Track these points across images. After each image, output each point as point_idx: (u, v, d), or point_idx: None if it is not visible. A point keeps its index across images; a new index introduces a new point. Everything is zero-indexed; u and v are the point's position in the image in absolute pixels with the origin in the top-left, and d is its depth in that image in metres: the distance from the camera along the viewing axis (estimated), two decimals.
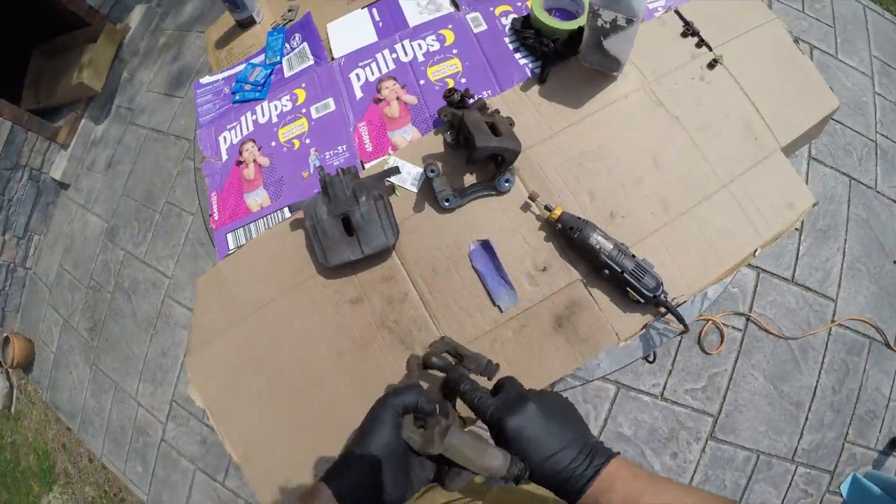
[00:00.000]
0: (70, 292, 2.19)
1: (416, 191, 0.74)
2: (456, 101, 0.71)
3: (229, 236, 0.83)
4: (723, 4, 0.84)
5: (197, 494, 1.78)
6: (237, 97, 0.95)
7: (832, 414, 1.54)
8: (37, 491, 2.13)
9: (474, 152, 0.64)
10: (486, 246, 0.71)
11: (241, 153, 0.89)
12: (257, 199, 0.84)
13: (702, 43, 0.81)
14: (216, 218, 0.86)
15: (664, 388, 1.56)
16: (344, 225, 0.71)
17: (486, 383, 0.53)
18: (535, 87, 0.78)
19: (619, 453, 0.43)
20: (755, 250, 0.72)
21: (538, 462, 0.42)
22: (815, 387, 1.55)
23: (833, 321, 1.59)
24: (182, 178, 2.11)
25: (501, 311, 0.69)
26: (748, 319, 1.58)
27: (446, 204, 0.70)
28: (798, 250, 1.64)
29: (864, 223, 1.69)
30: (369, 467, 0.41)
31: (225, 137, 0.92)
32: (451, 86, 0.79)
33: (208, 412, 0.76)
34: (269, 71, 0.95)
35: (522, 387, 0.48)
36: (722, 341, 1.56)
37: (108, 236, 2.17)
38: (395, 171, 0.73)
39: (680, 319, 0.67)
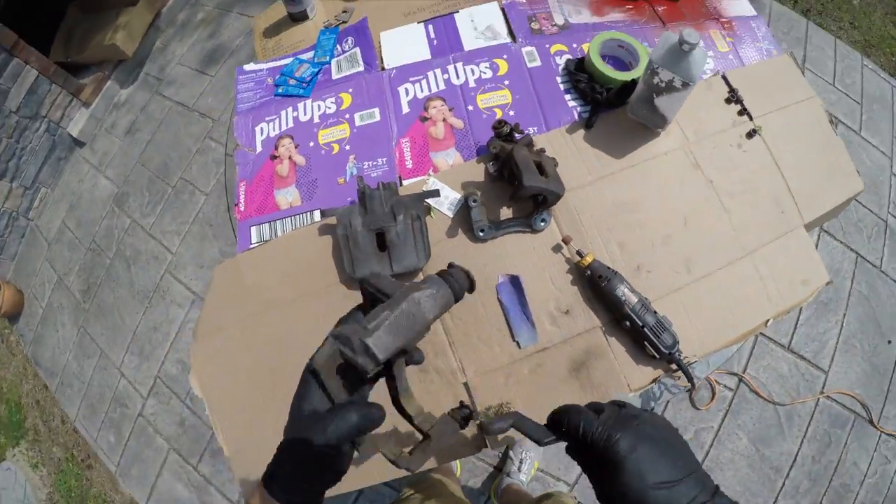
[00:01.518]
0: (69, 251, 2.17)
1: (451, 216, 0.75)
2: (505, 133, 0.72)
3: (253, 229, 0.83)
4: (768, 76, 0.86)
5: (167, 474, 1.75)
6: (280, 90, 0.95)
7: (808, 483, 1.55)
8: (2, 442, 2.09)
9: (520, 190, 0.64)
10: (514, 281, 0.71)
11: (276, 147, 0.89)
12: (288, 196, 0.84)
13: (744, 111, 0.83)
14: (242, 209, 0.86)
15: None
16: (377, 239, 0.71)
17: None
18: (581, 132, 0.79)
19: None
20: (767, 321, 0.74)
21: (652, 486, 0.36)
22: (796, 454, 1.57)
23: (822, 392, 1.61)
24: (200, 157, 2.11)
25: (520, 346, 0.69)
26: (741, 380, 1.60)
27: (481, 234, 0.71)
28: (798, 319, 1.67)
29: (864, 300, 1.72)
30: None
31: (262, 129, 0.92)
32: (499, 116, 0.80)
33: (205, 402, 0.75)
34: (317, 70, 0.95)
35: (633, 406, 0.43)
36: (713, 398, 1.57)
37: (116, 202, 2.15)
38: (436, 193, 0.73)
39: (689, 379, 0.68)
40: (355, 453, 0.41)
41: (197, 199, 2.04)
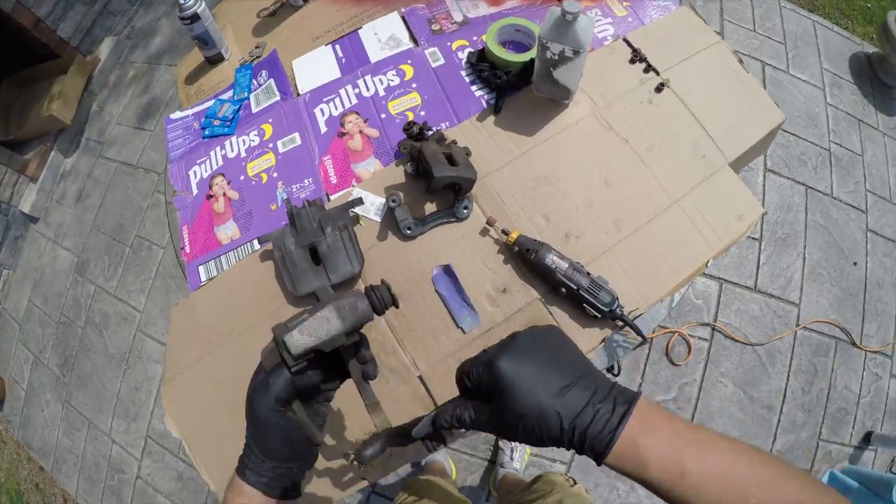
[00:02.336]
0: (40, 327, 2.14)
1: (379, 220, 0.77)
2: (415, 133, 0.75)
3: (201, 269, 0.85)
4: (670, 30, 0.89)
5: None
6: (206, 132, 0.97)
7: (804, 415, 1.58)
8: None
9: (432, 182, 0.67)
10: (447, 270, 0.73)
11: (210, 187, 0.91)
12: (227, 231, 0.86)
13: (649, 68, 0.86)
14: (188, 251, 0.87)
15: None
16: (311, 255, 0.73)
17: None
18: (491, 118, 0.82)
19: (640, 393, 0.36)
20: (707, 261, 0.76)
21: (545, 398, 0.34)
22: (785, 389, 1.60)
23: (798, 325, 1.65)
24: (152, 212, 2.10)
25: (465, 332, 0.71)
26: (714, 329, 1.63)
27: (408, 232, 0.73)
28: (759, 259, 1.71)
29: (822, 229, 1.77)
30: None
31: (195, 171, 0.94)
32: (410, 118, 0.83)
33: (184, 442, 0.76)
34: (237, 107, 0.97)
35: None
36: (689, 352, 1.60)
37: (78, 270, 2.13)
38: (359, 202, 0.75)
39: (637, 331, 0.70)
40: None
41: (155, 254, 2.04)
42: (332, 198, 0.81)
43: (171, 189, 0.96)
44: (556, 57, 0.72)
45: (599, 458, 0.34)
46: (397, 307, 0.46)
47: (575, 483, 0.83)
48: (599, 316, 0.70)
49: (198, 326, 0.80)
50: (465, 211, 0.74)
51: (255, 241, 0.82)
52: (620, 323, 0.71)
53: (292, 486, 0.44)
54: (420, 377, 0.71)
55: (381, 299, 0.43)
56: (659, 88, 0.84)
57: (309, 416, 0.44)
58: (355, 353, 0.44)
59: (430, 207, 0.77)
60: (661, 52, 0.86)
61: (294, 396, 0.43)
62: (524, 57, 0.81)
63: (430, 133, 0.76)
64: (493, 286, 0.73)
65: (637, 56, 0.87)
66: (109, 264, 2.08)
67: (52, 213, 2.34)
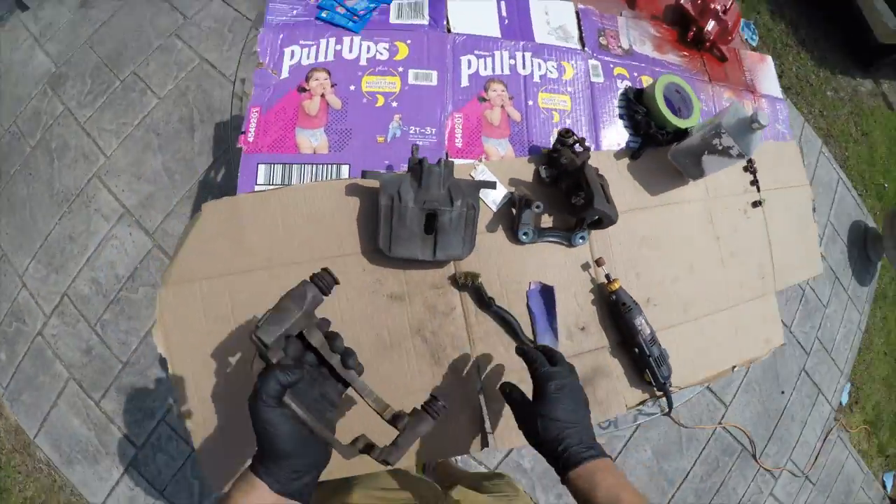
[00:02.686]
0: None
1: (494, 210, 0.72)
2: (570, 143, 0.71)
3: (262, 168, 0.72)
4: (778, 156, 0.96)
5: (64, 405, 1.56)
6: (325, 14, 0.82)
7: (694, 498, 1.79)
8: None
9: (587, 210, 0.65)
10: (546, 291, 0.71)
11: (308, 80, 0.77)
12: (313, 140, 0.74)
13: (755, 182, 0.91)
14: (250, 139, 0.74)
15: None
16: (427, 220, 0.66)
17: None
18: (626, 161, 0.81)
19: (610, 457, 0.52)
20: (734, 367, 0.84)
21: (554, 420, 0.52)
22: (689, 472, 1.80)
23: (720, 423, 1.85)
24: (161, 55, 1.83)
25: None
26: (657, 400, 1.77)
27: (524, 238, 0.70)
28: None
29: (770, 353, 1.96)
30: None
31: (293, 52, 0.79)
32: (556, 120, 0.79)
33: (168, 361, 0.65)
34: (373, 6, 0.83)
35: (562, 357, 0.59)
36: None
37: (51, 83, 1.81)
38: (493, 185, 0.70)
39: (670, 407, 0.76)
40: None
41: (148, 101, 1.78)
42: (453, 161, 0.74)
43: (256, 58, 0.81)
44: (720, 147, 0.73)
45: (567, 469, 0.51)
46: (338, 283, 0.52)
47: None
48: (653, 385, 0.73)
49: (235, 235, 0.67)
50: (580, 241, 0.72)
51: (345, 167, 0.72)
52: (659, 393, 0.75)
53: (304, 487, 0.44)
54: (481, 388, 0.69)
55: (326, 284, 0.51)
56: (755, 204, 0.89)
57: (316, 419, 0.45)
58: (331, 347, 0.50)
59: (545, 220, 0.74)
60: (766, 172, 0.92)
61: (282, 393, 0.44)
62: (683, 123, 0.80)
63: (581, 151, 0.72)
64: (575, 321, 0.73)
65: (751, 167, 0.91)
66: (90, 91, 1.79)
67: (47, 6, 1.96)
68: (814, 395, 2.04)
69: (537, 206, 0.67)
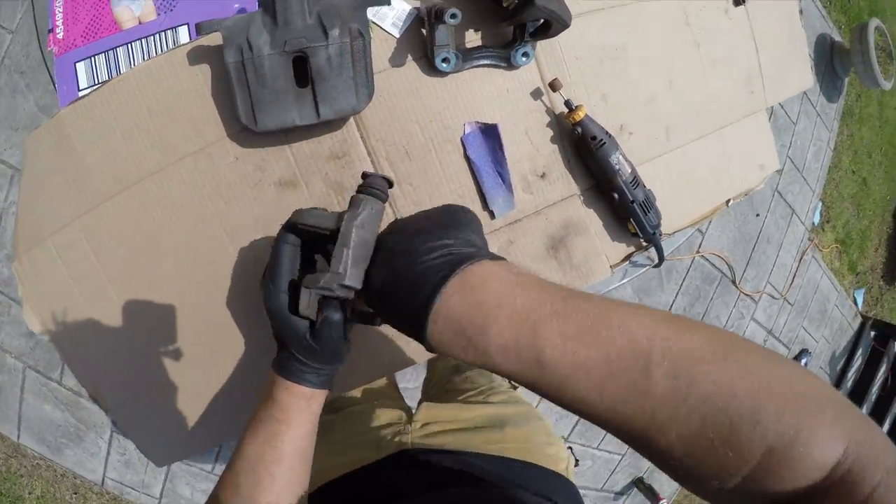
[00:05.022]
0: None
1: (397, 35, 0.52)
2: None
3: (80, 66, 0.56)
4: None
5: (30, 397, 1.46)
6: None
7: None
8: None
9: (527, 10, 0.45)
10: (488, 131, 0.54)
11: None
12: (134, 8, 0.55)
13: None
14: (60, 36, 0.57)
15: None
16: (295, 68, 0.47)
17: None
18: None
19: (498, 258, 0.30)
20: (728, 201, 0.72)
21: (389, 277, 0.32)
22: (671, 305, 1.82)
23: (698, 251, 1.83)
24: None
25: (493, 217, 0.55)
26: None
27: (443, 65, 0.50)
28: None
29: (765, 182, 1.92)
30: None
31: None
32: None
33: (52, 341, 0.56)
34: None
35: None
36: None
37: None
38: (385, 0, 0.49)
39: (661, 258, 0.65)
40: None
41: (1, 39, 1.40)
42: None
43: None
44: None
45: (421, 340, 0.29)
46: (392, 186, 0.40)
47: (515, 387, 0.78)
48: (640, 236, 0.60)
49: (71, 165, 0.53)
50: (523, 59, 0.53)
51: (183, 28, 0.54)
52: (645, 244, 0.63)
53: (327, 380, 0.41)
54: None
55: (384, 191, 0.39)
56: (738, 2, 0.71)
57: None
58: None
59: (471, 39, 0.54)
60: None
61: (296, 278, 0.39)
62: None
63: None
64: (531, 167, 0.57)
65: None
66: None
67: None
68: (787, 216, 2.02)
69: (452, 16, 0.46)
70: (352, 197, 0.38)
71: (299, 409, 0.40)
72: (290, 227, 0.39)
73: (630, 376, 0.24)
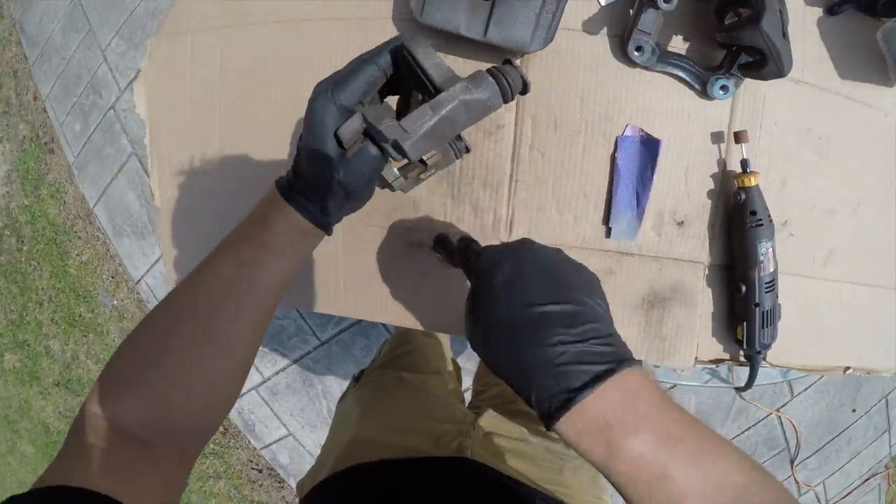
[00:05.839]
0: None
1: (602, 4, 0.48)
2: None
3: None
4: None
5: (123, 180, 1.63)
6: None
7: None
8: None
9: (746, 30, 0.39)
10: (649, 144, 0.48)
11: None
12: None
13: None
14: None
15: None
16: None
17: None
18: (818, 12, 0.50)
19: (640, 362, 0.31)
20: (847, 369, 0.59)
21: (520, 304, 0.29)
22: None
23: (779, 409, 1.60)
24: None
25: (608, 235, 0.49)
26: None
27: (636, 54, 0.45)
28: None
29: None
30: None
31: None
32: None
33: (147, 124, 0.58)
34: None
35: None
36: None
37: None
38: None
39: (750, 384, 0.53)
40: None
41: None
42: None
43: None
44: None
45: (549, 421, 0.28)
46: (524, 93, 0.34)
47: None
48: (742, 347, 0.50)
49: None
50: (720, 91, 0.47)
51: None
52: (743, 358, 0.52)
53: (329, 223, 0.37)
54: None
55: (511, 86, 0.33)
56: None
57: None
58: None
59: (677, 46, 0.48)
60: None
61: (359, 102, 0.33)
62: None
63: None
64: (672, 208, 0.50)
65: None
66: None
67: None
68: (881, 429, 1.71)
69: (666, 1, 0.41)
70: (477, 72, 0.33)
71: (292, 240, 0.35)
72: (397, 49, 0.33)
73: None
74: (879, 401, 1.68)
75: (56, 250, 1.81)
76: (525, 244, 0.33)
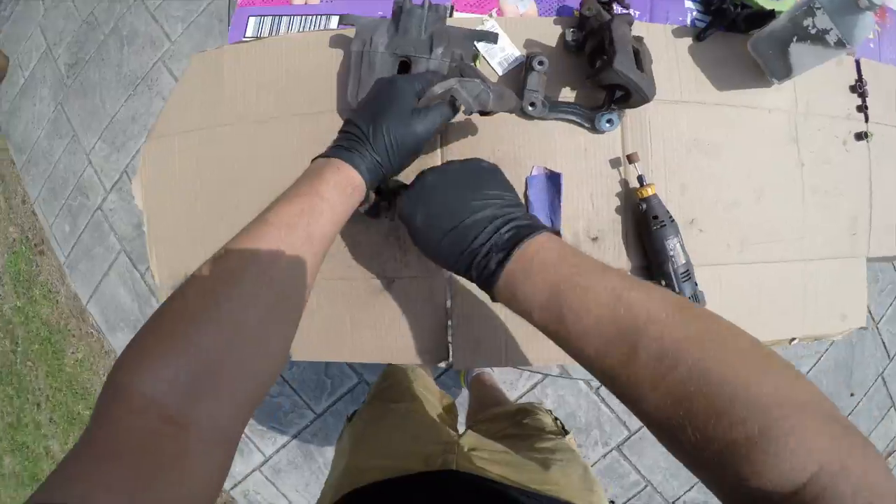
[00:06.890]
0: (64, 19, 1.91)
1: (500, 73, 0.59)
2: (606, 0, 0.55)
3: (252, 20, 0.67)
4: None
5: (114, 276, 1.70)
6: None
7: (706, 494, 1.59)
8: None
9: (604, 71, 0.49)
10: (553, 178, 0.57)
11: None
12: None
13: (863, 108, 0.67)
14: None
15: (601, 385, 1.56)
16: (400, 70, 0.56)
17: None
18: (688, 42, 0.62)
19: (550, 229, 0.38)
20: (792, 339, 0.65)
21: (439, 239, 0.39)
22: None
23: None
24: None
25: None
26: None
27: (530, 108, 0.56)
28: None
29: (849, 346, 1.70)
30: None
31: None
32: None
33: (145, 215, 0.66)
34: None
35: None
36: None
37: None
38: (493, 37, 0.56)
39: None
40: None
41: None
42: (456, 15, 0.62)
43: None
44: (814, 31, 0.53)
45: (489, 287, 0.38)
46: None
47: (565, 431, 0.75)
48: None
49: (215, 88, 0.64)
50: (607, 125, 0.57)
51: (334, 18, 0.65)
52: None
53: (376, 181, 0.43)
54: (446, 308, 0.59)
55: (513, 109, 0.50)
56: (859, 136, 0.67)
57: None
58: None
59: (566, 95, 0.59)
60: (880, 100, 0.68)
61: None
62: (772, 3, 0.59)
63: (622, 10, 0.56)
64: (585, 227, 0.58)
65: (860, 88, 0.67)
66: None
67: None
68: (885, 408, 1.71)
69: (540, 63, 0.52)
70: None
71: (343, 194, 0.39)
72: (445, 94, 0.44)
73: (622, 349, 0.30)
74: (876, 380, 1.70)
75: (51, 349, 1.85)
76: (425, 183, 0.41)
